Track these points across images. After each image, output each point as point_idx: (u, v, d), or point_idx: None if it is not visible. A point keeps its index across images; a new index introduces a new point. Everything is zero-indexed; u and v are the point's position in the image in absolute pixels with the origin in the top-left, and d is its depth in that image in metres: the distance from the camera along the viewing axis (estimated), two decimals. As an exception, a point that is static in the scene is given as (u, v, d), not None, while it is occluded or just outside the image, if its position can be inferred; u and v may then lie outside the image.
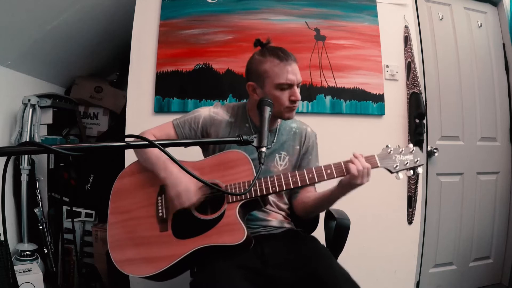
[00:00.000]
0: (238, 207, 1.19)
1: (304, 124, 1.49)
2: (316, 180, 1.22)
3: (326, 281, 1.09)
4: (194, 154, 1.42)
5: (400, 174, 1.23)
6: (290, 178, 1.22)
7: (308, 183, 1.22)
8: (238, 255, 1.18)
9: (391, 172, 1.23)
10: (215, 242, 1.16)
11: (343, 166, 1.21)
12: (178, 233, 1.22)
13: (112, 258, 1.25)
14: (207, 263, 1.17)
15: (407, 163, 1.23)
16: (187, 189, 1.21)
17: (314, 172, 1.22)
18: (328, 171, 1.22)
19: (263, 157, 1.04)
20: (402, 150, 1.24)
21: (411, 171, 1.24)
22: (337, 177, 1.22)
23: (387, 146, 1.26)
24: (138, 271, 1.21)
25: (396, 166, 1.22)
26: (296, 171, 1.24)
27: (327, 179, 1.23)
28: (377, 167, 1.23)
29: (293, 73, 1.27)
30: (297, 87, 1.30)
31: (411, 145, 1.25)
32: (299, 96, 1.29)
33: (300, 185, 1.23)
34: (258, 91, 1.32)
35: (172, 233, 1.23)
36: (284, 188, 1.22)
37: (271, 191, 1.22)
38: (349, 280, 1.11)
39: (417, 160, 1.22)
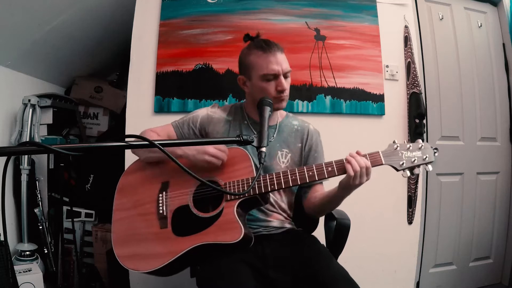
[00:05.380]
0: (236, 205, 1.19)
1: (306, 122, 1.48)
2: (316, 178, 1.19)
3: (326, 282, 1.09)
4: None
5: (407, 172, 1.16)
6: (289, 176, 1.21)
7: (308, 180, 1.20)
8: (238, 253, 1.18)
9: (397, 170, 1.16)
10: (213, 240, 1.17)
11: (345, 163, 1.17)
12: (177, 230, 1.23)
13: (115, 254, 1.27)
14: (213, 259, 1.17)
15: (414, 160, 1.15)
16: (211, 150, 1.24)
17: (315, 170, 1.19)
18: (329, 169, 1.18)
19: (263, 157, 1.04)
20: (410, 146, 1.16)
21: (419, 169, 1.15)
22: (338, 174, 1.18)
23: (393, 141, 1.18)
24: (139, 267, 1.23)
25: (403, 163, 1.15)
26: (296, 169, 1.22)
27: (328, 177, 1.20)
28: (382, 164, 1.17)
29: (277, 63, 1.27)
30: (284, 76, 1.30)
31: (420, 141, 1.18)
32: (284, 86, 1.29)
33: (299, 183, 1.20)
34: (248, 84, 1.34)
35: (171, 230, 1.24)
36: (283, 186, 1.21)
37: (269, 189, 1.21)
38: (348, 281, 1.11)
39: (426, 157, 1.14)
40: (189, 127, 1.40)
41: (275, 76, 1.28)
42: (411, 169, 1.16)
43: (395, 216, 2.17)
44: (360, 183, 1.15)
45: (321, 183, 1.42)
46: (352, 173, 1.13)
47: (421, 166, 1.16)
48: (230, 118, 1.41)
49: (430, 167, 1.16)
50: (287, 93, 1.32)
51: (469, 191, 2.46)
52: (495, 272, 2.55)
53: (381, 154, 1.18)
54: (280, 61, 1.28)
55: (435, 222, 2.38)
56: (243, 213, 1.23)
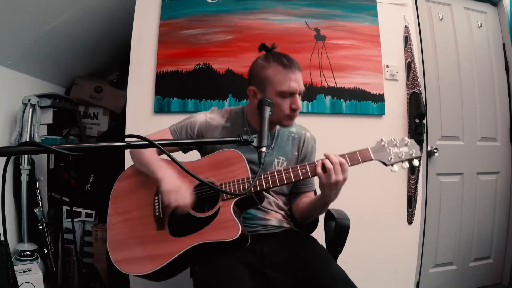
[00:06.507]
0: (232, 204, 1.20)
1: (304, 128, 1.47)
2: (310, 175, 1.20)
3: (325, 283, 1.09)
4: (192, 159, 1.42)
5: (396, 167, 1.21)
6: (283, 173, 1.22)
7: (302, 178, 1.21)
8: (236, 252, 1.18)
9: (386, 165, 1.22)
10: (211, 239, 1.17)
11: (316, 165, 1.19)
12: (174, 231, 1.23)
13: (111, 258, 1.26)
14: (209, 260, 1.17)
15: (402, 155, 1.21)
16: (185, 188, 1.22)
17: (308, 167, 1.21)
18: (303, 170, 1.21)
19: (263, 157, 1.04)
20: (397, 142, 1.23)
21: (407, 164, 1.22)
22: (311, 176, 1.21)
23: (381, 139, 1.24)
24: (137, 270, 1.22)
25: (391, 158, 1.21)
26: (290, 167, 1.24)
27: (303, 178, 1.21)
28: (371, 159, 1.21)
29: (296, 81, 1.26)
30: (299, 95, 1.29)
31: (406, 138, 1.25)
32: (300, 105, 1.28)
33: (294, 180, 1.21)
34: (259, 96, 1.30)
35: (168, 231, 1.24)
36: (278, 184, 1.21)
37: (265, 187, 1.22)
38: (347, 282, 1.11)
39: (412, 152, 1.21)
40: (187, 133, 1.39)
41: (292, 94, 1.26)
42: (399, 163, 1.22)
43: (395, 216, 2.17)
44: (336, 181, 1.15)
45: (313, 190, 1.44)
46: (320, 170, 1.16)
47: (409, 161, 1.23)
48: (228, 125, 1.40)
49: (417, 162, 1.22)
50: (298, 112, 1.31)
51: (469, 191, 2.46)
52: (495, 272, 2.54)
53: (370, 150, 1.22)
54: (299, 80, 1.27)
55: (435, 222, 2.38)
56: (239, 213, 1.24)
